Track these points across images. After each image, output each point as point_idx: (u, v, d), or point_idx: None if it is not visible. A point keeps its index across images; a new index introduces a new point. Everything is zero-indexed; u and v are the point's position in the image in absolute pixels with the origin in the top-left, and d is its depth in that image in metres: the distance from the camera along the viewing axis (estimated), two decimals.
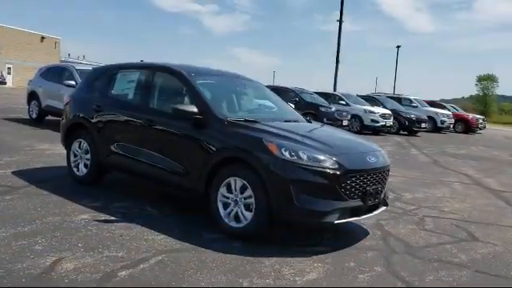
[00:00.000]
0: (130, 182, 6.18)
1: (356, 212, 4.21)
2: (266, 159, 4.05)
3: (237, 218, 4.23)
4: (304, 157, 4.00)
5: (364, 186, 4.21)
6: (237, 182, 4.24)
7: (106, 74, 5.91)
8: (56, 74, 12.36)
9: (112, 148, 5.42)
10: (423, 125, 21.67)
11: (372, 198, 4.29)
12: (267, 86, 6.53)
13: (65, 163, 6.42)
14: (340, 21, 27.63)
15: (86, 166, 5.80)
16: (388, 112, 19.84)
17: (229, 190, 4.31)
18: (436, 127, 24.45)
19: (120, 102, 5.54)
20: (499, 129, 39.92)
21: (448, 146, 17.12)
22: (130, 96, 5.51)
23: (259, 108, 5.73)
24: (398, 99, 25.17)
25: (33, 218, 4.35)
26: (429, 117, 23.64)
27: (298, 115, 5.65)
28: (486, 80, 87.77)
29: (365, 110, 19.09)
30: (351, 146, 4.66)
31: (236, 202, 4.26)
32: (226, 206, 4.33)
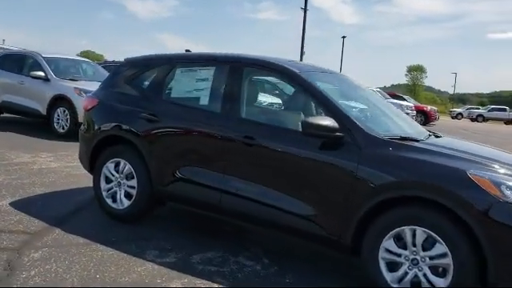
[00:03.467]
0: (178, 214, 4.59)
1: None
2: (480, 202, 2.73)
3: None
4: None
5: None
6: (417, 234, 2.89)
7: (156, 70, 4.24)
8: (15, 62, 10.15)
9: (176, 173, 3.83)
10: None
11: None
12: None
13: (70, 184, 5.20)
14: (305, 9, 26.63)
15: (128, 196, 4.15)
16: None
17: (399, 243, 2.95)
18: None
19: (187, 109, 3.94)
20: (444, 119, 41.13)
21: None
22: (204, 101, 3.91)
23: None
24: None
25: None
26: None
27: (416, 124, 4.34)
28: (416, 70, 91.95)
29: None
30: None
31: (415, 262, 2.91)
32: (393, 266, 2.98)
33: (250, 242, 3.99)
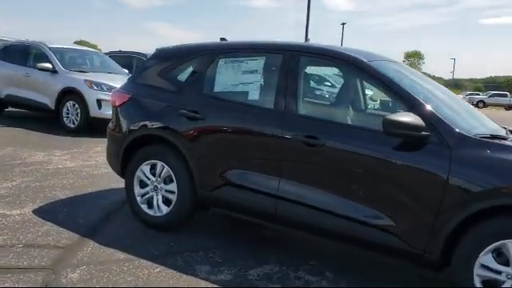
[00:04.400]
0: (216, 217, 4.18)
1: None
2: None
3: None
4: None
5: None
6: None
7: (195, 61, 3.79)
8: (19, 54, 9.63)
9: (224, 177, 3.41)
10: None
11: None
12: None
13: (92, 186, 4.94)
14: None
15: (166, 201, 3.72)
16: None
17: (500, 259, 2.55)
18: None
19: (234, 105, 3.49)
20: None
21: None
22: (254, 96, 3.47)
23: None
24: None
25: None
26: None
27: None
28: (414, 57, 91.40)
29: None
30: None
31: None
32: (491, 285, 2.57)
33: (303, 252, 3.58)
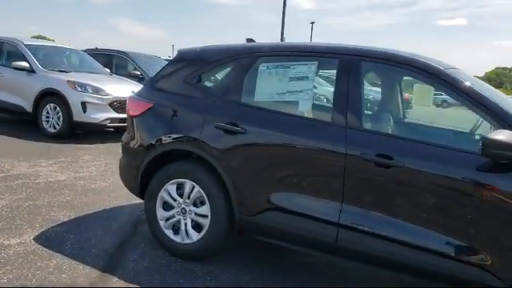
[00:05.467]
0: (247, 242, 3.70)
1: None
2: None
3: None
4: None
5: None
6: None
7: (230, 66, 3.30)
8: None
9: (271, 200, 2.95)
10: None
11: None
12: None
13: (93, 204, 4.35)
14: None
15: (196, 227, 3.22)
16: None
17: None
18: None
19: (282, 117, 3.02)
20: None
21: None
22: (305, 106, 3.02)
23: None
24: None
25: None
26: None
27: None
28: None
29: None
30: None
31: None
32: None
33: (357, 282, 3.16)
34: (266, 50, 3.24)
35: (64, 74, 7.93)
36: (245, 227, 3.12)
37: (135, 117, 3.49)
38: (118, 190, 4.89)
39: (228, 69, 3.28)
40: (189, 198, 3.24)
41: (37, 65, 7.90)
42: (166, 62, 12.14)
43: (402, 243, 2.62)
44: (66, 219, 3.91)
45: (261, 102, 3.11)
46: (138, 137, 3.46)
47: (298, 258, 3.46)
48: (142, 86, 8.68)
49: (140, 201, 4.51)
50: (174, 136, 3.27)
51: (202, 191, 3.18)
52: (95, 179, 5.27)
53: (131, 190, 3.62)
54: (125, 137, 3.64)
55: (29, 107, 7.84)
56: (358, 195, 2.73)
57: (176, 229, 3.33)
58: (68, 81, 7.55)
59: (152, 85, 3.58)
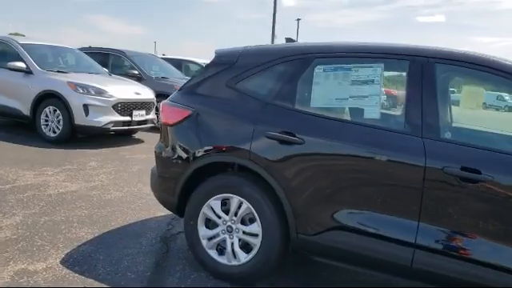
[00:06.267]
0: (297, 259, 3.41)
1: None
2: None
3: None
4: None
5: None
6: None
7: (280, 68, 2.99)
8: None
9: (334, 218, 2.65)
10: None
11: None
12: None
13: (113, 217, 4.02)
14: None
15: (245, 247, 2.91)
16: None
17: None
18: None
19: (346, 125, 2.73)
20: None
21: None
22: (372, 113, 2.72)
23: None
24: None
25: None
26: None
27: None
28: None
29: None
30: None
31: None
32: None
33: None
34: (322, 50, 2.94)
35: (63, 74, 7.51)
36: (302, 247, 2.82)
37: (171, 125, 3.15)
38: (136, 200, 4.56)
39: (278, 72, 2.97)
40: (236, 214, 2.93)
41: (34, 65, 7.46)
42: (163, 61, 11.82)
43: (490, 266, 2.35)
44: (89, 237, 3.56)
45: (319, 109, 2.81)
46: (175, 147, 3.13)
47: (348, 275, 3.17)
48: (144, 86, 8.34)
49: (163, 213, 4.21)
50: (219, 146, 2.95)
51: (251, 208, 2.87)
52: (109, 189, 4.91)
53: (166, 204, 3.30)
54: (159, 146, 3.30)
55: (26, 110, 7.40)
56: (438, 213, 2.46)
57: (221, 249, 3.02)
58: (68, 82, 7.13)
59: (188, 90, 3.25)
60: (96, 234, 3.62)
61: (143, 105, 7.82)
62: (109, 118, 7.15)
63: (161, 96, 8.68)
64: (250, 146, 2.83)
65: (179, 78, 10.66)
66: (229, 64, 3.15)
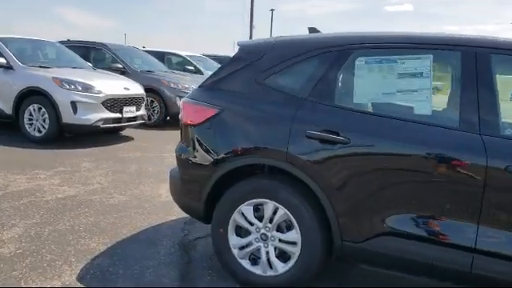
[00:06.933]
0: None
1: None
2: None
3: None
4: None
5: None
6: None
7: (316, 61, 2.75)
8: None
9: (384, 222, 2.46)
10: None
11: None
12: None
13: (121, 224, 3.73)
14: None
15: (281, 256, 2.70)
16: None
17: None
18: None
19: (395, 122, 2.51)
20: None
21: None
22: (423, 109, 2.51)
23: None
24: None
25: None
26: None
27: None
28: None
29: None
30: None
31: None
32: None
33: None
34: (362, 41, 2.72)
35: (46, 69, 7.08)
36: (348, 255, 2.62)
37: (195, 125, 2.89)
38: (142, 204, 4.29)
39: (314, 65, 2.73)
40: (271, 221, 2.70)
41: (15, 60, 7.01)
42: (146, 54, 11.37)
43: None
44: (102, 248, 3.27)
45: (363, 105, 2.60)
46: (200, 149, 2.86)
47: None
48: (132, 81, 7.95)
49: (173, 216, 3.95)
50: (251, 147, 2.71)
51: (288, 213, 2.64)
52: (110, 192, 4.60)
53: (188, 210, 3.05)
54: (180, 148, 3.03)
55: (8, 109, 6.96)
56: (501, 215, 2.29)
57: (254, 258, 2.79)
58: (53, 78, 6.72)
59: (211, 86, 2.98)
60: (108, 245, 3.33)
61: (133, 100, 7.45)
62: (98, 116, 6.78)
63: (148, 91, 8.35)
64: (287, 147, 2.59)
65: (164, 72, 10.29)
66: (256, 57, 2.89)
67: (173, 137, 8.21)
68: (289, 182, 2.66)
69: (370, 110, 2.57)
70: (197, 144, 2.88)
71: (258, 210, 2.75)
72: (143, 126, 8.27)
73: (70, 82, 6.69)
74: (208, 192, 2.83)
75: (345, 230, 2.54)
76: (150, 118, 9.09)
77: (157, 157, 6.41)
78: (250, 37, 25.17)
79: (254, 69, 2.86)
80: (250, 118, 2.77)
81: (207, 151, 2.84)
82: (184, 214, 3.91)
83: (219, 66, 11.32)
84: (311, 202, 2.60)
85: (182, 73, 11.04)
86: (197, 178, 2.90)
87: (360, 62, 2.64)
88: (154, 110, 9.32)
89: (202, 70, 11.95)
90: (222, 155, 2.77)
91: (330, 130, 2.52)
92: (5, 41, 7.29)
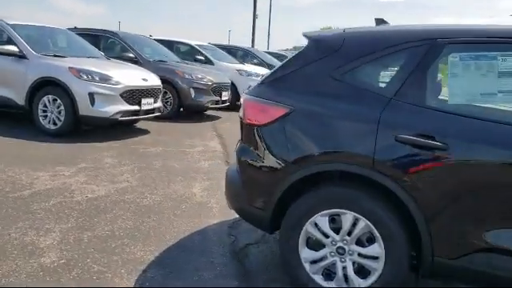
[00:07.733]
0: None
1: None
2: None
3: None
4: None
5: None
6: None
7: (401, 56, 2.48)
8: None
9: (485, 238, 2.23)
10: None
11: None
12: None
13: (158, 227, 3.44)
14: None
15: (360, 272, 2.44)
16: None
17: None
18: None
19: (501, 127, 2.24)
20: None
21: None
22: None
23: None
24: None
25: None
26: None
27: None
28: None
29: (240, 72, 11.37)
30: None
31: None
32: None
33: None
34: (455, 34, 2.44)
35: (61, 59, 6.73)
36: (439, 272, 2.36)
37: (262, 126, 2.60)
38: (178, 205, 4.04)
39: (401, 61, 2.46)
40: (349, 234, 2.44)
41: (28, 49, 6.65)
42: (156, 43, 10.97)
43: None
44: (149, 257, 3.00)
45: (460, 106, 2.33)
46: (268, 152, 2.59)
47: None
48: (148, 71, 7.60)
49: (214, 220, 3.72)
50: (329, 152, 2.44)
51: (371, 226, 2.38)
52: (142, 192, 4.32)
53: (250, 218, 2.79)
54: (242, 150, 2.76)
55: (20, 100, 6.62)
56: None
57: (328, 273, 2.53)
58: (70, 67, 6.38)
59: (276, 82, 2.70)
60: (155, 253, 3.06)
61: (151, 92, 7.14)
62: (117, 108, 6.46)
63: (161, 82, 8.00)
64: (374, 152, 2.32)
65: (177, 61, 9.96)
66: (330, 51, 2.61)
67: (188, 130, 7.95)
68: (370, 191, 2.40)
69: (468, 112, 2.30)
70: (264, 146, 2.61)
71: (333, 221, 2.48)
72: (156, 118, 7.96)
73: (87, 73, 6.36)
74: (277, 200, 2.56)
75: (437, 245, 2.29)
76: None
77: (179, 152, 6.12)
78: (253, 27, 24.78)
79: (328, 64, 2.58)
80: (328, 120, 2.49)
81: (277, 155, 2.56)
82: (225, 217, 3.69)
83: (229, 55, 10.76)
84: (399, 214, 2.34)
85: (193, 63, 10.70)
86: (264, 184, 2.63)
87: (454, 58, 2.37)
88: (166, 102, 8.99)
89: (212, 59, 11.58)
90: (295, 160, 2.50)
91: (425, 135, 2.25)
92: (17, 28, 6.93)
